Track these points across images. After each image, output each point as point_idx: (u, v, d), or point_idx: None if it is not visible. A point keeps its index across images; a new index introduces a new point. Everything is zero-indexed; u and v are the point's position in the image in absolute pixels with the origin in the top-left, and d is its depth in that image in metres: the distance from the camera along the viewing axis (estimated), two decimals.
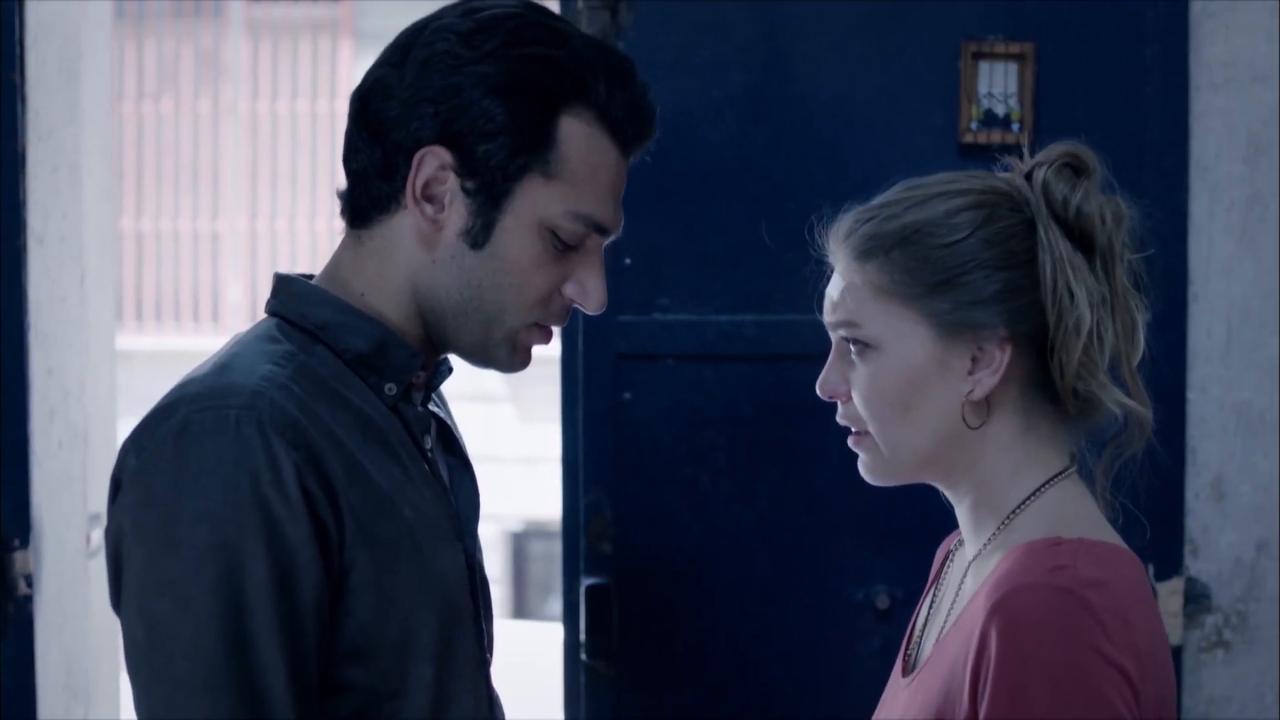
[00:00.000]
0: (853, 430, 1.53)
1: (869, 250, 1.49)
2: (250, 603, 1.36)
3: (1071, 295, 1.45)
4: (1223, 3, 2.50)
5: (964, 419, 1.47)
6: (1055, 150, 1.50)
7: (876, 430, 1.50)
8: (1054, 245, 1.46)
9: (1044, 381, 1.48)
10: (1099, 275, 1.47)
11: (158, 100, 9.92)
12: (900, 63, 2.51)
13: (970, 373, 1.47)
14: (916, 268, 1.47)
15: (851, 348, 1.51)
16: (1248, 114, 2.51)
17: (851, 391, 1.51)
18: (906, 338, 1.47)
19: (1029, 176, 1.50)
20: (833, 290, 1.53)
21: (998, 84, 2.49)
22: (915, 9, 2.50)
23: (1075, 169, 1.50)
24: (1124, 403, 1.47)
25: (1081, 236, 1.47)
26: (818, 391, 1.54)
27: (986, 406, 1.48)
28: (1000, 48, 2.48)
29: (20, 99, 2.53)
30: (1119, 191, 1.52)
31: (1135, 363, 1.50)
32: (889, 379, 1.48)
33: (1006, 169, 1.54)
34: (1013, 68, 2.48)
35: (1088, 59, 2.50)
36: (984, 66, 2.49)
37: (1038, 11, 2.50)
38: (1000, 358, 1.47)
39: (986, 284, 1.46)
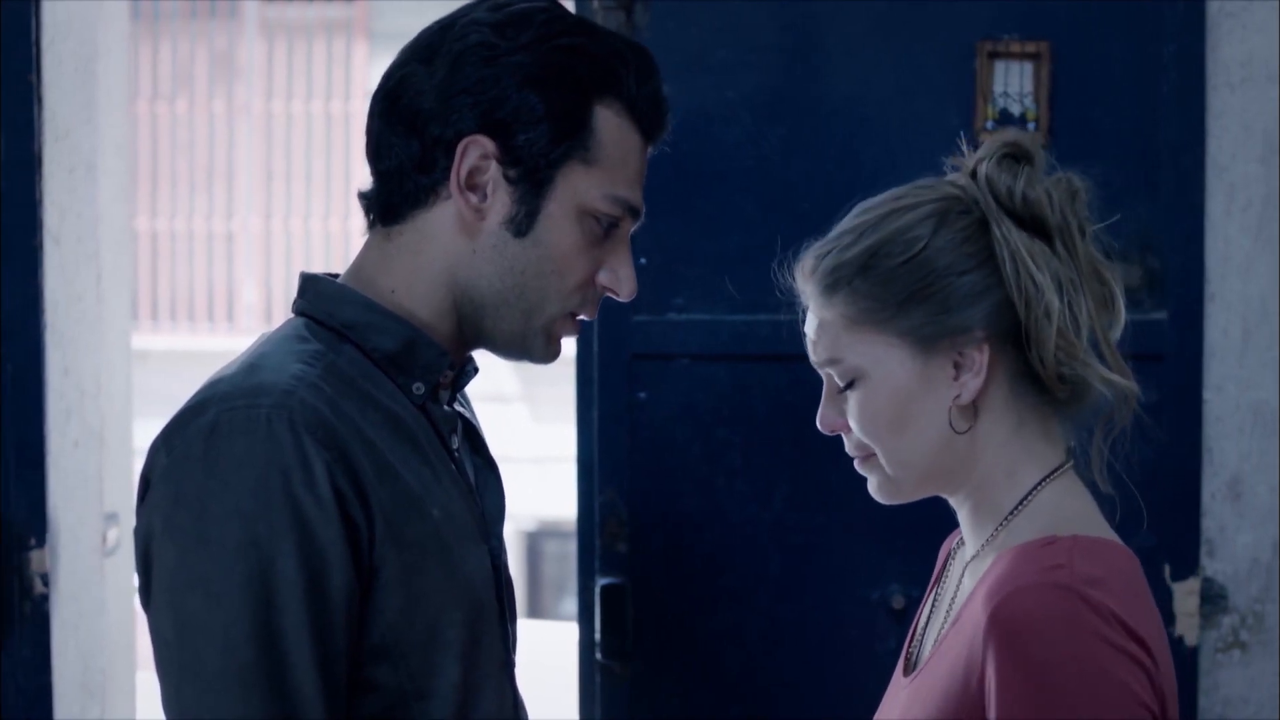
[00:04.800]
0: (858, 455, 1.54)
1: (833, 284, 1.50)
2: (281, 601, 1.37)
3: (1035, 283, 1.45)
4: (1240, 2, 2.50)
5: (950, 425, 1.48)
6: (994, 143, 1.51)
7: (880, 452, 1.51)
8: (1008, 238, 1.47)
9: (1030, 375, 1.49)
10: (1061, 256, 1.48)
11: (173, 101, 9.94)
12: (915, 62, 2.50)
13: (955, 379, 1.48)
14: (881, 291, 1.48)
15: (839, 382, 1.52)
16: (1264, 113, 2.50)
17: (849, 422, 1.52)
18: (886, 361, 1.48)
19: (974, 174, 1.51)
20: (809, 330, 1.54)
21: (1013, 83, 2.49)
22: (931, 9, 2.50)
23: (1015, 157, 1.50)
24: (1107, 377, 1.48)
25: (1034, 222, 1.48)
26: (819, 427, 1.56)
27: (974, 410, 1.48)
28: (1016, 47, 2.48)
29: (37, 99, 2.54)
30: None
31: (1116, 333, 1.50)
32: (878, 404, 1.49)
33: (955, 169, 1.54)
34: (1028, 67, 2.48)
35: (1104, 58, 2.49)
36: (999, 66, 2.48)
37: (1054, 11, 2.49)
38: (980, 359, 1.47)
39: (952, 291, 1.47)
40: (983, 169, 1.50)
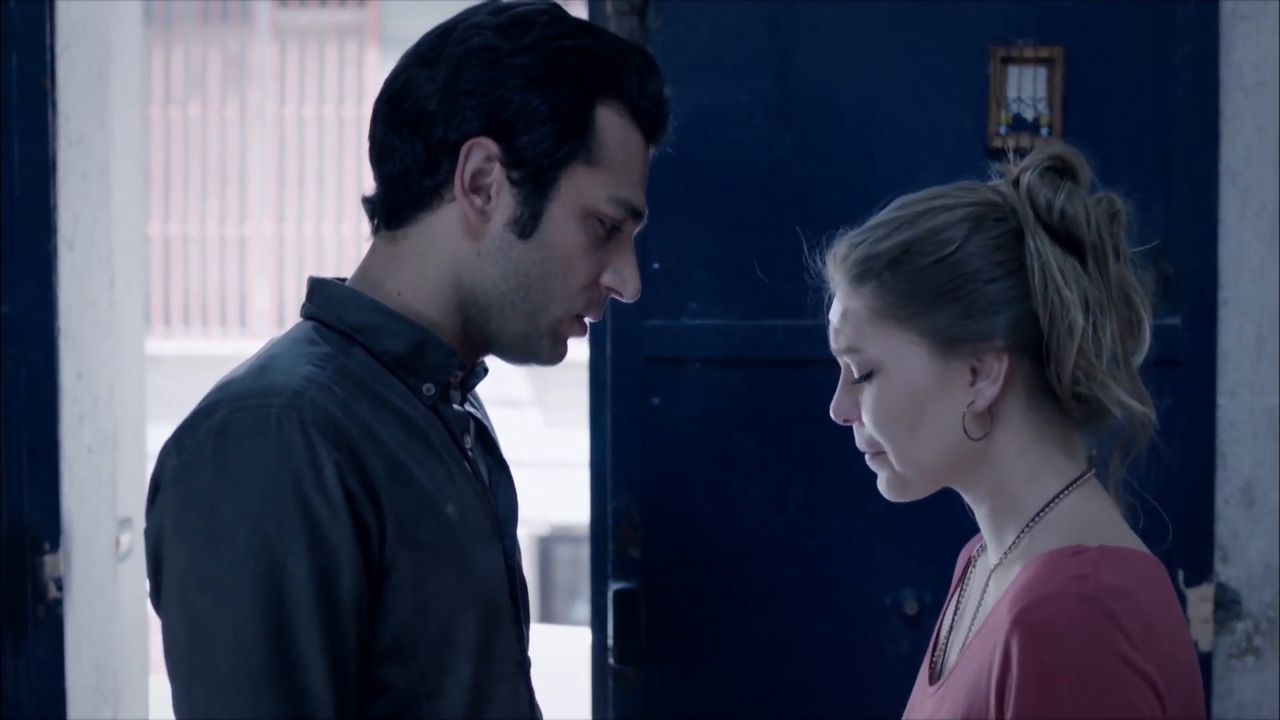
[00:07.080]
0: (869, 451, 1.54)
1: (863, 274, 1.50)
2: (291, 602, 1.37)
3: (1062, 299, 1.45)
4: (1254, 4, 2.49)
5: (965, 430, 1.47)
6: (1041, 154, 1.50)
7: (890, 449, 1.51)
8: (1041, 251, 1.46)
9: (1048, 389, 1.48)
10: (1092, 275, 1.47)
11: (185, 105, 9.95)
12: (929, 66, 2.50)
13: (971, 384, 1.47)
14: (909, 288, 1.48)
15: (856, 372, 1.52)
16: (1279, 117, 2.50)
17: (862, 414, 1.52)
18: (905, 358, 1.48)
19: (1016, 183, 1.50)
20: (833, 317, 1.54)
21: (1026, 88, 2.48)
22: (944, 12, 2.50)
23: (1059, 171, 1.49)
24: (1124, 402, 1.47)
25: (1069, 238, 1.47)
26: (832, 416, 1.55)
27: (989, 417, 1.48)
28: (1029, 51, 2.48)
29: (51, 104, 2.54)
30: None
31: (1139, 358, 1.49)
32: (893, 399, 1.49)
33: (1000, 175, 1.53)
34: (1042, 72, 2.48)
35: (1117, 62, 2.49)
36: (1013, 70, 2.48)
37: (1067, 14, 2.49)
38: (998, 368, 1.47)
39: (978, 297, 1.46)
40: (1025, 179, 1.49)
